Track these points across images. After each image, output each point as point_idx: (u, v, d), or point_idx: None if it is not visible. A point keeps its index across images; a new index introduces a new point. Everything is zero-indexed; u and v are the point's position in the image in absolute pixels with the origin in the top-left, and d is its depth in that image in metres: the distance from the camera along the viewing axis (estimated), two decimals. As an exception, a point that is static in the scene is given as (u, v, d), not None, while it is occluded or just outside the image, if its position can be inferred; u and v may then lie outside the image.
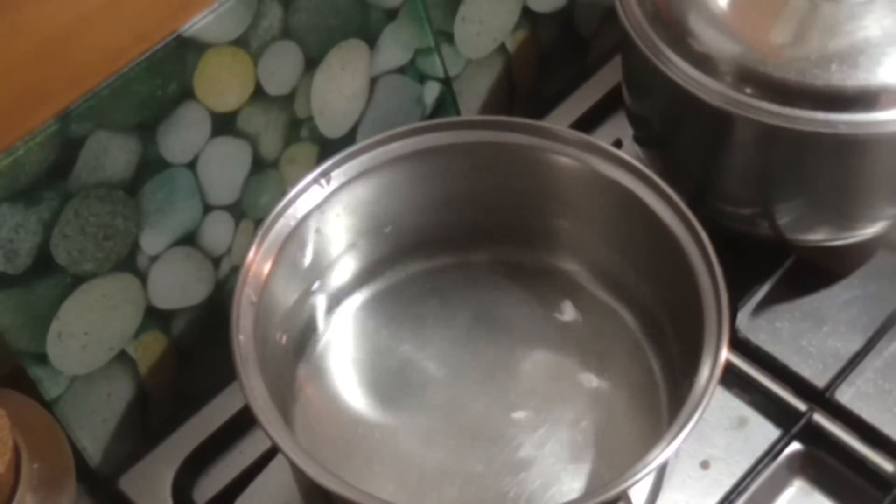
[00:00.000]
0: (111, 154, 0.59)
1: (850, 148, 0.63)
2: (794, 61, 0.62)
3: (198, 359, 0.69)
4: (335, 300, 0.68)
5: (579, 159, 0.65)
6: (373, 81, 0.70)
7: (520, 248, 0.68)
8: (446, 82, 0.75)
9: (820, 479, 0.66)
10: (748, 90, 0.62)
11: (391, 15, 0.69)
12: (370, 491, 0.54)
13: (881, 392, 0.67)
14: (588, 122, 0.81)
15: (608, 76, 0.82)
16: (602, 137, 0.72)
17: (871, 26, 0.62)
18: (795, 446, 0.66)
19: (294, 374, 0.65)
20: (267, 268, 0.61)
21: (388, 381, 0.66)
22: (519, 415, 0.64)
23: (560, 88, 0.83)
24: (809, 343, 0.70)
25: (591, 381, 0.65)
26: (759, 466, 0.64)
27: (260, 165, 0.67)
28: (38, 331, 0.60)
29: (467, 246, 0.68)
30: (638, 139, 0.75)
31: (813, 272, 0.72)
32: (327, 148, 0.69)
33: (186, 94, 0.61)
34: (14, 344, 0.59)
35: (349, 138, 0.71)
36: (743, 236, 0.70)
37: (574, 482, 0.61)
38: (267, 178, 0.68)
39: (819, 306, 0.71)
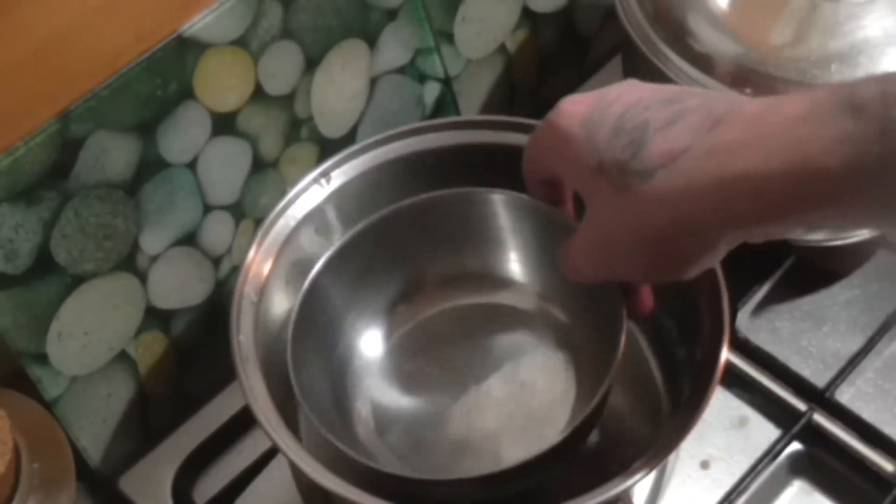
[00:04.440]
0: (111, 154, 0.59)
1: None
2: (794, 61, 0.62)
3: (198, 359, 0.69)
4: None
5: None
6: (373, 81, 0.70)
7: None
8: (446, 82, 0.75)
9: (820, 479, 0.66)
10: (748, 90, 0.62)
11: (391, 15, 0.69)
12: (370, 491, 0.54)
13: (881, 392, 0.67)
14: (588, 122, 0.81)
15: (608, 76, 0.82)
16: (602, 137, 0.72)
17: (871, 26, 0.62)
18: (795, 446, 0.66)
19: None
20: (267, 268, 0.61)
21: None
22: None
23: (560, 88, 0.83)
24: (809, 343, 0.70)
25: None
26: (759, 466, 0.64)
27: (260, 165, 0.67)
28: (38, 331, 0.60)
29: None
30: (638, 139, 0.74)
31: (813, 272, 0.72)
32: (327, 148, 0.69)
33: (186, 94, 0.61)
34: (14, 344, 0.59)
35: (349, 138, 0.71)
36: (743, 236, 0.70)
37: (574, 482, 0.61)
38: (267, 178, 0.68)
39: (819, 306, 0.71)
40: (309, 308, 0.60)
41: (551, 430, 0.60)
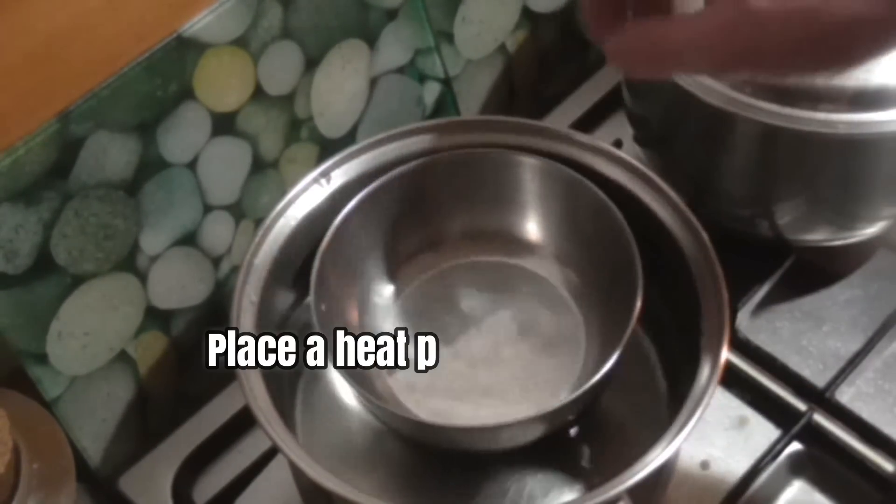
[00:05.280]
0: (111, 154, 0.59)
1: (849, 148, 0.63)
2: (794, 61, 0.62)
3: (198, 359, 0.69)
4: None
5: (579, 159, 0.65)
6: (373, 81, 0.70)
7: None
8: (446, 82, 0.75)
9: (820, 479, 0.66)
10: (748, 90, 0.62)
11: (391, 15, 0.69)
12: (368, 493, 0.54)
13: (881, 392, 0.67)
14: (588, 122, 0.81)
15: (608, 76, 0.82)
16: (602, 137, 0.72)
17: (871, 26, 0.62)
18: (795, 446, 0.66)
19: (294, 373, 0.65)
20: (267, 268, 0.61)
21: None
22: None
23: (560, 88, 0.83)
24: (809, 343, 0.70)
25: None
26: (759, 466, 0.64)
27: (260, 165, 0.67)
28: (38, 331, 0.60)
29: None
30: (638, 139, 0.74)
31: (813, 272, 0.72)
32: (327, 148, 0.69)
33: (186, 94, 0.61)
34: (14, 344, 0.59)
35: (349, 138, 0.71)
36: (743, 236, 0.70)
37: (574, 482, 0.61)
38: (267, 178, 0.68)
39: (819, 306, 0.71)
40: (337, 243, 0.62)
41: (551, 395, 0.60)
